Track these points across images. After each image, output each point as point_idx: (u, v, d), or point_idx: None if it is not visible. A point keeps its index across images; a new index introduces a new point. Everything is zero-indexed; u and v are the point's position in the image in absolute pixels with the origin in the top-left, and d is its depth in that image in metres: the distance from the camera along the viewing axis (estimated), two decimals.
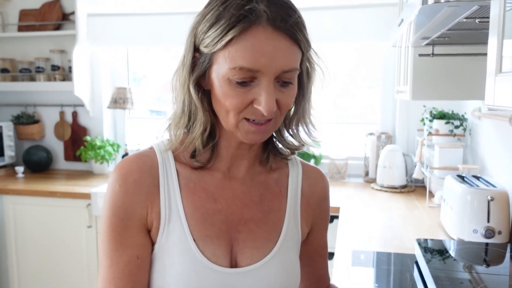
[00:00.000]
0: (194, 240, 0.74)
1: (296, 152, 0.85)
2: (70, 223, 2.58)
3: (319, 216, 0.89)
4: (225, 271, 0.75)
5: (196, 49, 0.71)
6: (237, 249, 0.77)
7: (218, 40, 0.66)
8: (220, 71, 0.68)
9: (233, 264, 0.76)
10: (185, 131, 0.76)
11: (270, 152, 0.83)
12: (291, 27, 0.66)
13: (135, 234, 0.74)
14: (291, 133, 0.81)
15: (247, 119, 0.70)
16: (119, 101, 2.88)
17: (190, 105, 0.73)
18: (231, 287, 0.74)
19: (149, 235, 0.76)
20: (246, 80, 0.67)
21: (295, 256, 0.83)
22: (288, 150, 0.83)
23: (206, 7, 0.70)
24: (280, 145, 0.83)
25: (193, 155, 0.77)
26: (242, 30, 0.65)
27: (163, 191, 0.76)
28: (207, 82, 0.72)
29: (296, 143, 0.82)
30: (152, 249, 0.76)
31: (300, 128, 0.80)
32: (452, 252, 1.42)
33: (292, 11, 0.68)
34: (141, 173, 0.75)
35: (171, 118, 0.77)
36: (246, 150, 0.79)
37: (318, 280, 0.94)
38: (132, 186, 0.74)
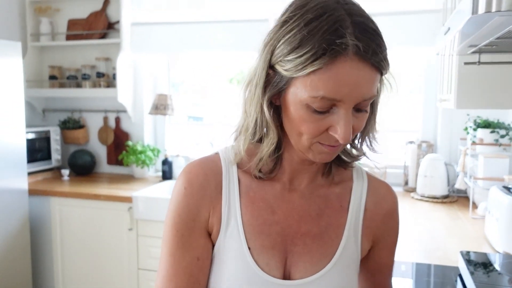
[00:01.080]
0: (249, 248, 0.76)
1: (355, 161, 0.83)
2: (112, 225, 2.66)
3: (384, 233, 0.85)
4: (276, 282, 0.75)
5: (270, 66, 0.69)
6: (291, 262, 0.77)
7: (302, 68, 0.63)
8: (298, 96, 0.66)
9: (286, 276, 0.77)
10: (251, 141, 0.76)
11: (333, 163, 0.82)
12: (379, 57, 0.64)
13: (197, 236, 0.77)
14: (354, 145, 0.80)
15: (320, 143, 0.69)
16: (160, 107, 2.96)
17: (262, 121, 0.72)
18: None
19: (210, 238, 0.78)
20: (326, 109, 0.66)
21: (353, 274, 0.81)
22: (348, 159, 0.82)
23: (285, 23, 0.66)
24: (342, 155, 0.82)
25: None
26: (329, 61, 0.62)
27: (225, 197, 0.78)
28: (280, 101, 0.71)
29: (355, 152, 0.80)
30: (212, 252, 0.78)
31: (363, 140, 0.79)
32: (497, 266, 1.37)
33: (380, 39, 0.65)
34: (206, 178, 0.78)
35: (238, 129, 0.78)
36: (308, 164, 0.79)
37: None
38: (197, 189, 0.77)
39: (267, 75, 0.70)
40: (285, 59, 0.65)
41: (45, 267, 2.83)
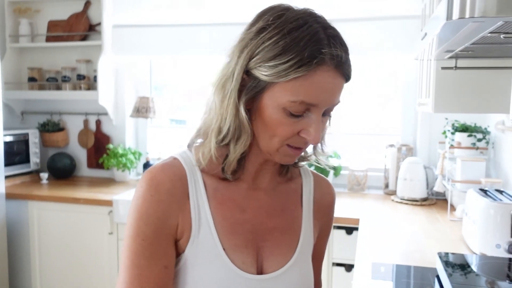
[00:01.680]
0: (224, 249, 0.77)
1: (309, 164, 0.89)
2: (92, 229, 2.63)
3: (325, 223, 0.94)
4: (254, 278, 0.78)
5: (245, 71, 0.72)
6: (263, 257, 0.81)
7: (285, 74, 0.68)
8: (276, 100, 0.70)
9: (259, 271, 0.79)
10: (218, 145, 0.77)
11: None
12: (349, 67, 0.71)
13: (165, 244, 0.75)
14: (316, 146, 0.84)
15: (289, 145, 0.74)
16: (142, 110, 2.94)
17: (236, 125, 0.74)
18: None
19: (176, 245, 0.77)
20: (301, 113, 0.71)
21: (310, 260, 0.88)
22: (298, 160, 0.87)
23: (263, 30, 0.70)
24: None
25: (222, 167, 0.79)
26: (312, 69, 0.67)
27: (193, 201, 0.77)
28: (254, 105, 0.73)
29: (304, 153, 0.85)
30: (180, 259, 0.77)
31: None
32: (474, 267, 1.40)
33: (348, 50, 0.72)
34: (173, 183, 0.76)
35: (205, 131, 0.78)
36: (271, 165, 0.83)
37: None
38: (165, 195, 0.75)
39: (242, 79, 0.72)
40: (266, 64, 0.69)
41: (23, 272, 2.77)
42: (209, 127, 0.77)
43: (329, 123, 0.80)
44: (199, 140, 0.81)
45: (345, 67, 0.70)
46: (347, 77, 0.72)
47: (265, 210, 0.83)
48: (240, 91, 0.72)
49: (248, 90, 0.72)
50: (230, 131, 0.74)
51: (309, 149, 0.83)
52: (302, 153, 0.83)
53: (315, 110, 0.71)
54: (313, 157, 0.85)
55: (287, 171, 0.88)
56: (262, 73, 0.69)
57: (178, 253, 0.78)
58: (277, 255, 0.81)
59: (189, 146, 0.83)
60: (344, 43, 0.71)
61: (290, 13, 0.71)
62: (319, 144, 0.82)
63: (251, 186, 0.83)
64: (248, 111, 0.74)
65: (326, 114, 0.74)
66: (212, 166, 0.79)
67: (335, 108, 0.76)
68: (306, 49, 0.67)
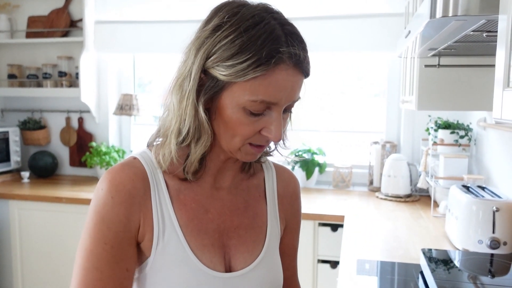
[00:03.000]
0: (191, 249, 0.76)
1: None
2: (74, 229, 2.58)
3: (291, 215, 0.92)
4: (223, 276, 0.78)
5: (203, 70, 0.70)
6: (230, 255, 0.81)
7: (243, 74, 0.66)
8: (235, 100, 0.69)
9: (227, 269, 0.79)
10: (178, 146, 0.75)
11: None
12: (307, 64, 0.71)
13: (127, 247, 0.74)
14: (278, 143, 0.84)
15: (250, 144, 0.74)
16: (125, 107, 2.90)
17: (196, 126, 0.72)
18: None
19: (137, 248, 0.76)
20: (261, 111, 0.70)
21: (278, 255, 0.88)
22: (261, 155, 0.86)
23: (219, 28, 0.69)
24: None
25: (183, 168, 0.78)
26: (270, 69, 0.66)
27: (155, 203, 0.76)
28: (212, 104, 0.72)
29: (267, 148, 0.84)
30: (147, 263, 0.76)
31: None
32: (457, 263, 1.42)
33: (306, 47, 0.71)
34: (133, 184, 0.74)
35: (165, 132, 0.76)
36: (232, 163, 0.82)
37: (285, 281, 0.94)
38: (125, 197, 0.73)
39: (200, 79, 0.70)
40: (223, 64, 0.67)
41: (4, 272, 2.72)
42: (168, 129, 0.75)
43: (290, 118, 0.79)
44: (159, 139, 0.79)
45: (304, 64, 0.70)
46: (306, 74, 0.72)
47: (228, 208, 0.83)
48: (198, 91, 0.71)
49: (207, 90, 0.70)
50: (190, 132, 0.73)
51: (272, 144, 0.82)
52: (268, 149, 0.84)
53: (275, 108, 0.70)
54: (275, 152, 0.85)
55: (249, 168, 0.87)
56: (220, 73, 0.68)
57: (141, 257, 0.76)
58: (244, 252, 0.81)
59: (149, 145, 0.81)
60: (302, 39, 0.71)
61: (246, 10, 0.69)
62: (281, 141, 0.82)
63: (213, 186, 0.82)
64: (207, 110, 0.73)
65: (287, 110, 0.74)
66: (173, 167, 0.77)
67: (296, 105, 0.76)
68: (263, 48, 0.66)
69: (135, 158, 0.79)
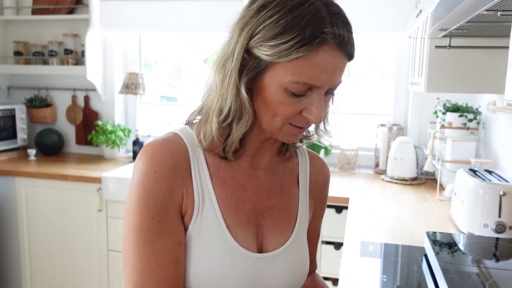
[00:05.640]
0: (227, 227, 0.76)
1: (306, 142, 0.89)
2: (80, 207, 2.61)
3: (319, 202, 0.94)
4: (255, 256, 0.78)
5: (246, 50, 0.70)
6: (263, 235, 0.81)
7: (286, 54, 0.66)
8: (278, 80, 0.69)
9: (259, 250, 0.80)
10: (220, 125, 0.76)
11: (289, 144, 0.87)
12: (352, 46, 0.70)
13: (175, 220, 0.74)
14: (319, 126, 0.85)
15: (291, 124, 0.74)
16: (131, 86, 2.89)
17: (237, 105, 0.73)
18: (260, 271, 0.79)
19: (182, 220, 0.76)
20: (303, 92, 0.70)
21: (306, 239, 0.89)
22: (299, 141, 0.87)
23: (263, 8, 0.68)
24: None
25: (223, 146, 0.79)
26: (313, 49, 0.66)
27: (195, 177, 0.76)
28: (255, 84, 0.72)
29: (305, 133, 0.86)
30: (184, 236, 0.76)
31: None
32: (461, 246, 1.41)
33: (351, 29, 0.70)
34: (175, 158, 0.75)
35: (207, 111, 0.76)
36: (270, 144, 0.83)
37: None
38: (168, 171, 0.73)
39: (243, 59, 0.70)
40: (267, 44, 0.67)
41: (11, 249, 2.76)
42: (210, 108, 0.76)
43: (332, 101, 0.79)
44: (199, 117, 0.80)
45: (348, 46, 0.69)
46: (349, 56, 0.71)
47: (264, 189, 0.83)
48: (241, 71, 0.71)
49: (249, 70, 0.71)
50: (231, 112, 0.73)
51: (311, 127, 0.83)
52: (304, 132, 0.84)
53: (317, 90, 0.70)
54: (315, 136, 0.85)
55: (286, 151, 0.88)
56: (263, 52, 0.68)
57: (185, 229, 0.77)
58: (276, 233, 0.82)
59: (188, 123, 0.82)
60: (347, 20, 0.70)
61: None
62: (321, 123, 0.82)
63: (251, 165, 0.83)
64: (249, 90, 0.73)
65: (329, 93, 0.73)
66: (213, 145, 0.78)
67: (338, 87, 0.75)
68: (307, 28, 0.65)
69: (175, 133, 0.79)
